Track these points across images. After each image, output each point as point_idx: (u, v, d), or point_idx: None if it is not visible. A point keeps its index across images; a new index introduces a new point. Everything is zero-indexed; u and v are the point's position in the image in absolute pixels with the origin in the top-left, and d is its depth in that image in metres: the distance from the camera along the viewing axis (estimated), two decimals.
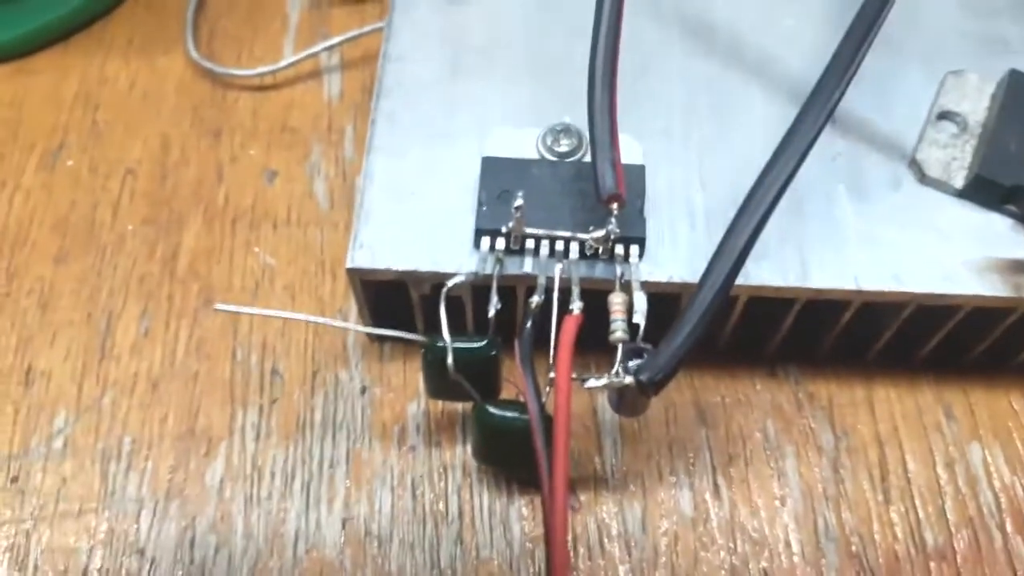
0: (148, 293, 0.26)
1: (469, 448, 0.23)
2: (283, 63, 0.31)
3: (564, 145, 0.23)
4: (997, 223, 0.23)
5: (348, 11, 0.33)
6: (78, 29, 0.32)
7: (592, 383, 0.20)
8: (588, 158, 0.23)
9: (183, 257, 0.27)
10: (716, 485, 0.23)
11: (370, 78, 0.31)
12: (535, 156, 0.23)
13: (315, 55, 0.31)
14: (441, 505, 0.23)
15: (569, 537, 0.22)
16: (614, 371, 0.20)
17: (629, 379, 0.19)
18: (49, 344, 0.26)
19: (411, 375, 0.25)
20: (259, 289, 0.26)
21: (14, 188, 0.28)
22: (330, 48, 0.31)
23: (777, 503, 0.23)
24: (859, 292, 0.22)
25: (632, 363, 0.20)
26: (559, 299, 0.21)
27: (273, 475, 0.23)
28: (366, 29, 0.31)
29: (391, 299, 0.24)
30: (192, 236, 0.27)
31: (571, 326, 0.20)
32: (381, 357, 0.25)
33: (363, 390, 0.25)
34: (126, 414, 0.24)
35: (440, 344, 0.21)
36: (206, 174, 0.29)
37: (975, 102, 0.24)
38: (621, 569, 0.22)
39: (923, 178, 0.23)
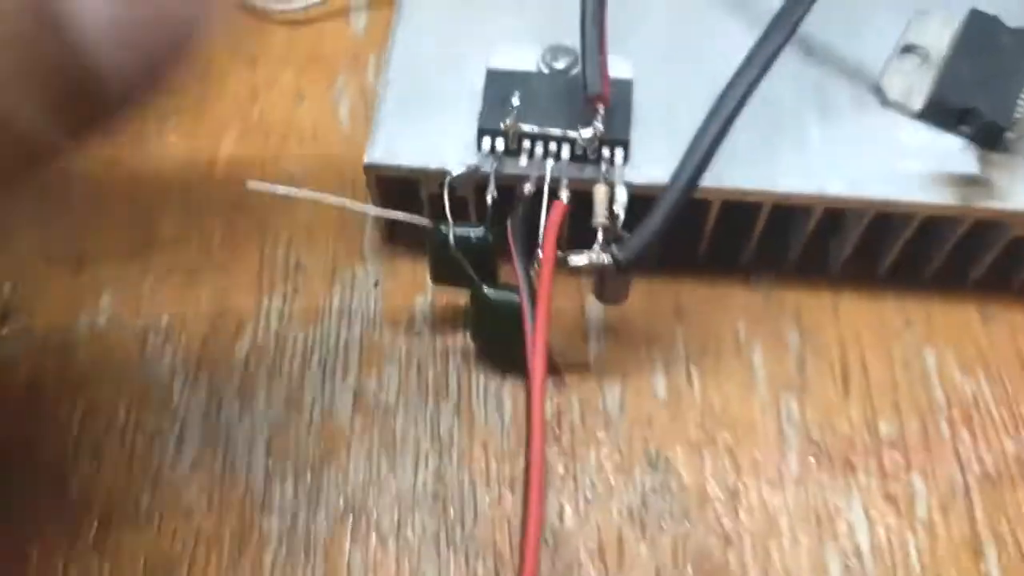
0: (186, 196, 0.29)
1: (468, 333, 0.26)
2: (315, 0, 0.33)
3: (561, 62, 0.26)
4: (951, 142, 0.25)
5: None
6: None
7: (574, 259, 0.22)
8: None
9: (220, 164, 0.30)
10: (689, 373, 0.26)
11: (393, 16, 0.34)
12: (535, 71, 0.26)
13: None
14: (442, 381, 0.26)
15: (548, 402, 0.24)
16: (595, 251, 0.22)
17: (607, 258, 0.22)
18: (98, 235, 0.28)
19: (419, 272, 0.28)
20: (285, 196, 0.29)
21: None
22: None
23: (744, 391, 0.26)
24: (821, 197, 0.24)
25: (610, 247, 0.22)
26: (549, 195, 0.24)
27: (294, 352, 0.26)
28: None
29: (401, 202, 0.26)
30: (228, 147, 0.30)
31: (558, 211, 0.23)
32: (393, 256, 0.28)
33: (376, 283, 0.28)
34: (164, 298, 0.27)
35: (444, 228, 0.23)
36: (241, 96, 0.31)
37: (937, 38, 0.26)
38: (599, 437, 0.25)
39: (885, 102, 0.26)
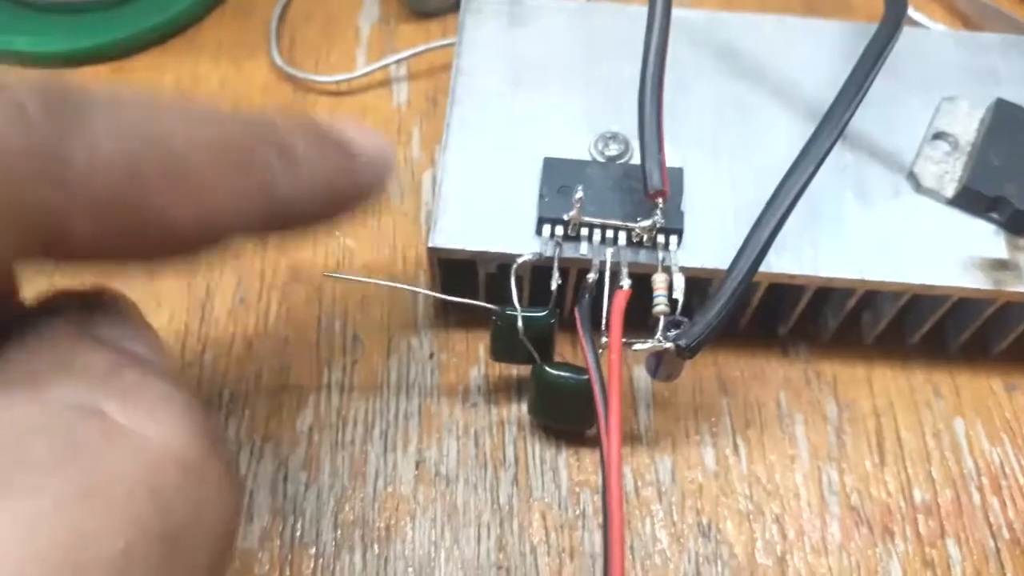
0: (241, 268, 0.30)
1: (524, 405, 0.27)
2: (357, 73, 0.35)
3: (613, 149, 0.27)
4: (982, 228, 0.27)
5: (413, 27, 0.37)
6: (173, 34, 0.36)
7: (639, 346, 0.23)
8: (634, 160, 0.27)
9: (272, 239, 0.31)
10: (736, 444, 0.27)
11: (433, 88, 0.35)
12: (587, 158, 0.27)
13: (385, 67, 0.35)
14: (499, 452, 0.27)
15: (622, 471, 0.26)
16: (656, 337, 0.24)
17: (669, 344, 0.23)
18: (155, 308, 0.29)
19: (472, 344, 0.29)
20: (340, 268, 0.30)
21: None
22: (399, 61, 0.35)
23: (788, 461, 0.27)
24: (863, 281, 0.26)
25: (671, 332, 0.24)
26: (609, 279, 0.25)
27: (355, 423, 0.27)
28: (432, 45, 0.35)
29: (456, 277, 0.28)
30: None
31: (622, 298, 0.24)
32: (447, 327, 0.29)
33: (431, 355, 0.29)
34: (224, 370, 0.28)
35: (510, 312, 0.25)
36: None
37: (966, 125, 0.28)
38: (654, 509, 0.26)
39: (919, 188, 0.27)
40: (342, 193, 0.18)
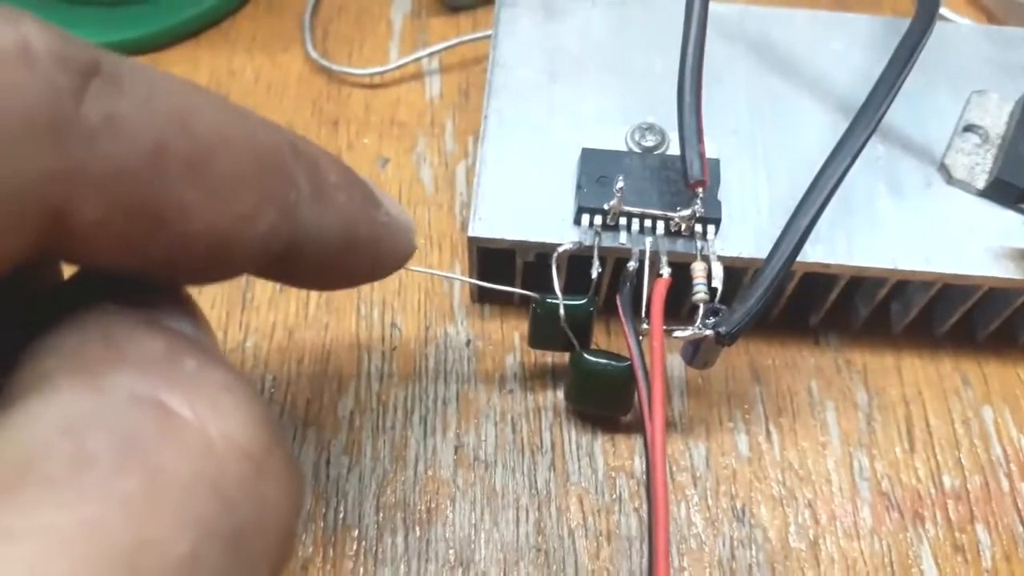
0: None
1: (560, 392, 0.28)
2: (391, 65, 0.35)
3: (650, 140, 0.28)
4: (1012, 219, 0.27)
5: (444, 20, 0.37)
6: (207, 27, 0.37)
7: (679, 333, 0.24)
8: (671, 151, 0.27)
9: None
10: (768, 431, 0.28)
11: (465, 81, 0.35)
12: (624, 149, 0.28)
13: (418, 60, 0.35)
14: (536, 438, 0.27)
15: (639, 459, 0.26)
16: (697, 324, 0.24)
17: (709, 332, 0.24)
18: (196, 295, 0.30)
19: (508, 331, 0.29)
20: None
21: None
22: (431, 54, 0.35)
23: (820, 447, 0.27)
24: (895, 271, 0.26)
25: (710, 320, 0.24)
26: (648, 268, 0.25)
27: (395, 409, 0.28)
28: (463, 39, 0.35)
29: (493, 266, 0.28)
30: None
31: (662, 286, 0.24)
32: (482, 316, 0.30)
33: (468, 342, 0.29)
34: (266, 356, 0.29)
35: (551, 300, 0.25)
36: None
37: (996, 118, 0.29)
38: (688, 494, 0.26)
39: (950, 179, 0.28)
40: (360, 244, 0.17)
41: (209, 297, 0.30)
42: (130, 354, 0.13)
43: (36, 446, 0.11)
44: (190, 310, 0.15)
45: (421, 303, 0.30)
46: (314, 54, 0.35)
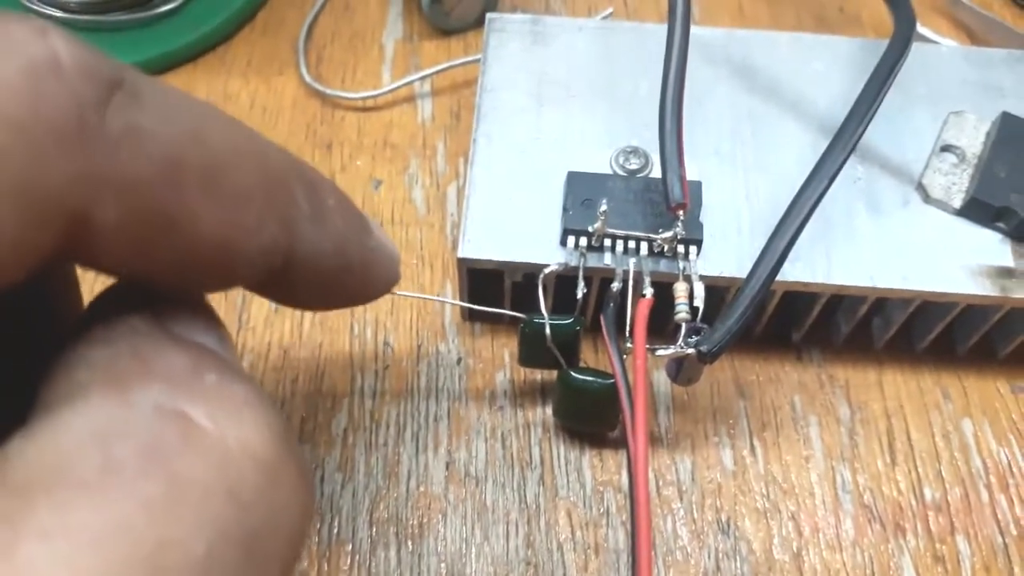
0: None
1: (549, 409, 0.29)
2: (384, 89, 0.36)
3: (634, 163, 0.28)
4: (988, 237, 0.28)
5: (436, 45, 0.38)
6: (204, 52, 0.38)
7: (661, 352, 0.25)
8: (654, 173, 0.28)
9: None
10: (752, 446, 0.28)
11: (456, 104, 0.36)
12: (609, 172, 0.29)
13: (410, 83, 0.36)
14: (526, 454, 0.28)
15: (625, 473, 0.27)
16: (679, 343, 0.25)
17: (691, 350, 0.24)
18: None
19: (498, 349, 0.30)
20: None
21: None
22: (423, 78, 0.36)
23: (803, 461, 0.28)
24: (874, 288, 0.27)
25: (692, 338, 0.25)
26: (632, 288, 0.26)
27: (388, 426, 0.29)
28: (454, 62, 0.36)
29: (482, 286, 0.29)
30: None
31: (644, 306, 0.25)
32: (473, 334, 0.30)
33: (459, 360, 0.30)
34: (262, 375, 0.30)
35: (538, 320, 0.26)
36: None
37: (972, 138, 0.29)
38: (675, 507, 0.27)
39: (927, 199, 0.28)
40: (352, 266, 0.18)
41: None
42: (157, 368, 0.14)
43: (69, 452, 0.12)
44: (213, 323, 0.16)
45: (413, 322, 0.31)
46: (308, 78, 0.36)
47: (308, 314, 0.31)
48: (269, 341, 0.30)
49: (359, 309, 0.31)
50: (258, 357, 0.30)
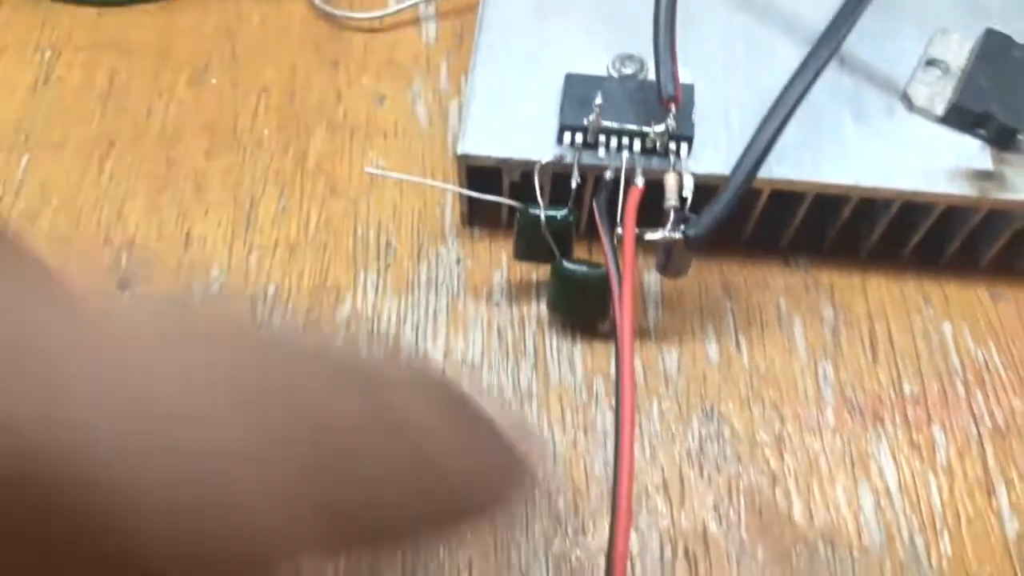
0: (283, 182, 0.33)
1: (543, 304, 0.30)
2: (390, 10, 0.37)
3: (629, 68, 0.30)
4: (968, 143, 0.29)
5: None
6: None
7: (650, 236, 0.26)
8: (649, 77, 0.29)
9: (311, 157, 0.33)
10: (738, 342, 0.29)
11: (460, 27, 0.37)
12: (605, 75, 0.30)
13: (415, 5, 0.37)
14: (521, 344, 0.29)
15: (614, 362, 0.28)
16: (667, 229, 0.26)
17: (678, 235, 0.26)
18: (203, 216, 0.32)
19: (495, 251, 0.31)
20: (374, 184, 0.33)
21: (169, 99, 0.35)
22: (428, 1, 0.37)
23: (787, 356, 0.29)
24: (856, 187, 0.28)
25: (680, 225, 0.26)
26: (624, 182, 0.27)
27: (389, 318, 0.30)
28: None
29: (481, 189, 0.30)
30: (318, 142, 0.34)
31: (636, 194, 0.26)
32: (472, 238, 0.32)
33: (458, 260, 0.31)
34: (269, 270, 0.31)
35: (533, 211, 0.27)
36: (327, 95, 0.35)
37: (956, 54, 0.30)
38: (661, 393, 0.28)
39: (912, 107, 0.29)
40: None
41: (215, 217, 0.32)
42: None
43: None
44: None
45: (415, 226, 0.32)
46: (316, 0, 0.37)
47: (313, 216, 0.32)
48: (276, 239, 0.31)
49: (362, 212, 0.32)
50: (265, 254, 0.31)
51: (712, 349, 0.29)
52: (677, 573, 0.26)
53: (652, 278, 0.30)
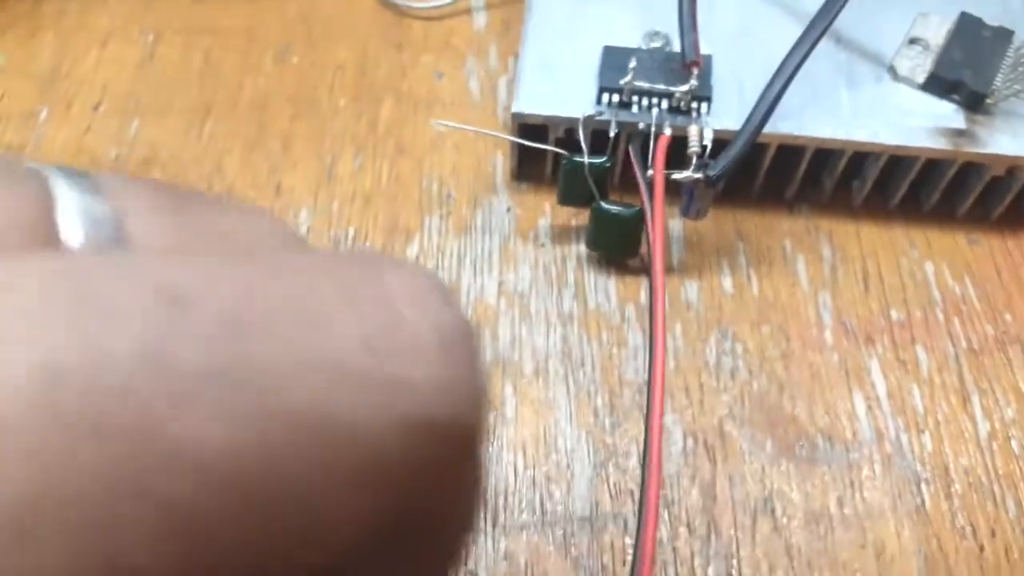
0: (359, 144, 0.38)
1: (583, 246, 0.35)
2: (446, 1, 0.42)
3: (657, 42, 0.35)
4: (944, 106, 0.34)
5: None
6: None
7: (677, 176, 0.31)
8: (674, 49, 0.35)
9: (382, 123, 0.39)
10: (748, 276, 0.35)
11: (508, 16, 0.43)
12: (637, 47, 0.35)
13: None
14: (563, 277, 0.34)
15: (642, 292, 0.33)
16: (691, 170, 0.31)
17: (700, 175, 0.31)
18: (292, 170, 0.37)
19: (540, 202, 0.36)
20: (435, 146, 0.38)
21: (257, 74, 0.40)
22: None
23: (791, 288, 0.34)
24: (850, 142, 0.33)
25: (702, 169, 0.31)
26: (654, 134, 0.33)
27: (451, 255, 0.35)
28: None
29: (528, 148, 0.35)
30: (387, 110, 0.39)
31: (664, 141, 0.31)
32: (520, 191, 0.37)
33: (508, 209, 0.36)
34: (349, 215, 0.36)
35: (578, 158, 0.32)
36: (393, 72, 0.40)
37: (936, 33, 0.36)
38: (683, 317, 0.33)
39: (896, 77, 0.35)
40: None
41: (301, 170, 0.37)
42: None
43: None
44: None
45: (471, 181, 0.37)
46: None
47: (384, 171, 0.37)
48: (353, 191, 0.37)
49: (427, 168, 0.37)
50: (344, 202, 0.36)
51: (727, 282, 0.34)
52: (698, 460, 0.31)
53: (676, 224, 0.35)
